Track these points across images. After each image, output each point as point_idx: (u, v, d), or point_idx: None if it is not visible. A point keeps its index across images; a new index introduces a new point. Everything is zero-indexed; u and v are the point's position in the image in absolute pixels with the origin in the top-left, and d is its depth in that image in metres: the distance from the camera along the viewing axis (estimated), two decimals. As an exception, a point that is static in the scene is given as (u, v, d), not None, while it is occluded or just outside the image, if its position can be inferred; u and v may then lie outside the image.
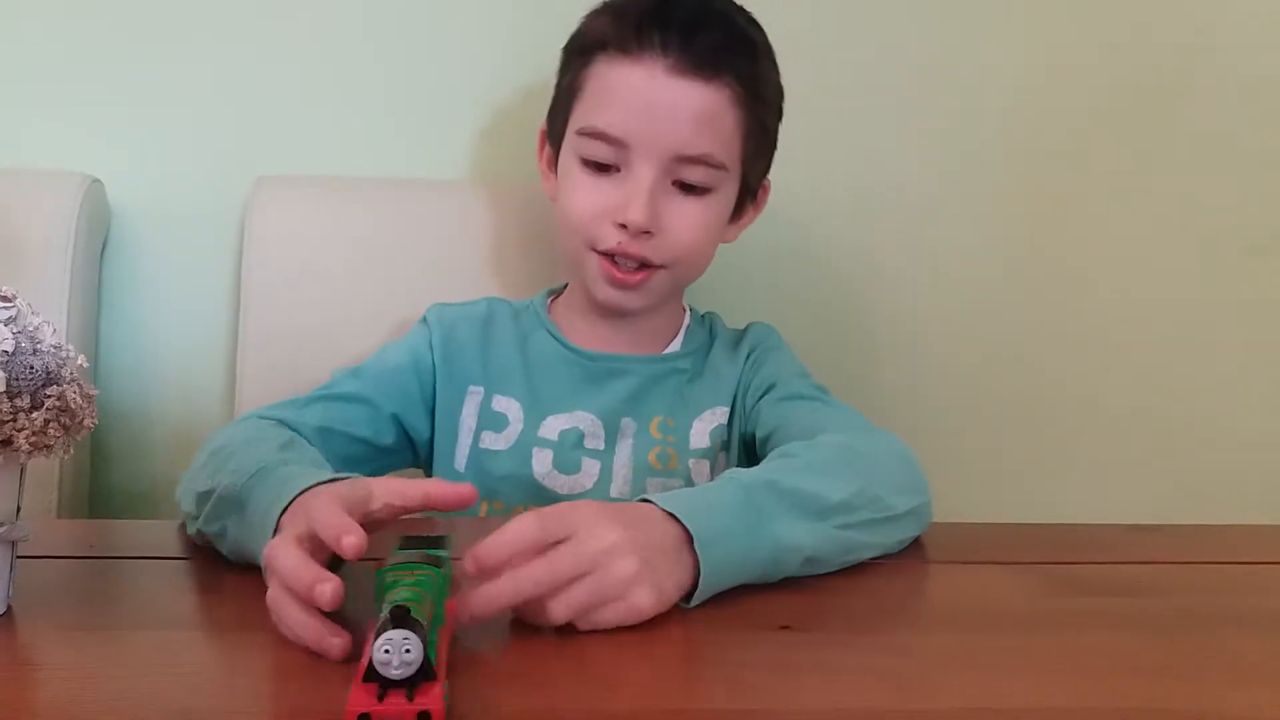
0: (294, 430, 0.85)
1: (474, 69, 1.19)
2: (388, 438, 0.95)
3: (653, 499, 0.65)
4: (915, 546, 0.81)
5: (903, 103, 1.25)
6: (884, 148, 1.25)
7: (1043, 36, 1.25)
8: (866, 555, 0.73)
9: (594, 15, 0.96)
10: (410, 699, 0.47)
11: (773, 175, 1.16)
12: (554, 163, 0.99)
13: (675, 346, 1.01)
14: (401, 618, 0.48)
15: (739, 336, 1.02)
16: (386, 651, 0.47)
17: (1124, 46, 1.25)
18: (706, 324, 1.04)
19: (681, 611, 0.65)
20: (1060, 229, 1.28)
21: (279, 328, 1.12)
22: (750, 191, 0.99)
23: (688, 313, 1.05)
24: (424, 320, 1.01)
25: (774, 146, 1.00)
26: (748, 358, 0.99)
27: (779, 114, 0.99)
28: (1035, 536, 0.85)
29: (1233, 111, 1.27)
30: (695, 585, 0.63)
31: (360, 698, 0.47)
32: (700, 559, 0.62)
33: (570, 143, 0.95)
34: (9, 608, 0.62)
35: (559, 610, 0.58)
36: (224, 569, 0.70)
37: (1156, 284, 1.28)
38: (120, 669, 0.55)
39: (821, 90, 1.23)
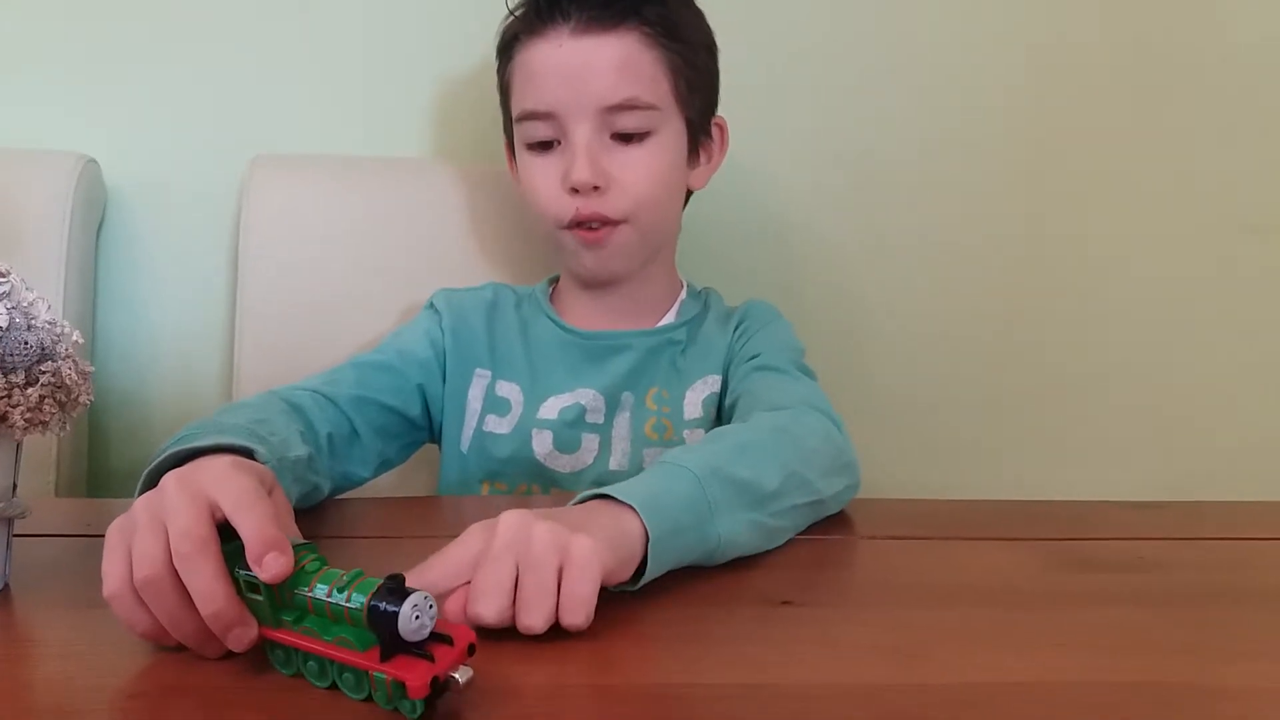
0: (330, 400, 0.86)
1: (475, 49, 1.18)
2: (414, 408, 0.96)
3: (610, 491, 0.63)
4: (917, 523, 0.81)
5: (900, 83, 1.24)
6: (882, 128, 1.24)
7: (1041, 16, 1.24)
8: (786, 538, 0.74)
9: (506, 18, 0.99)
10: (450, 643, 0.48)
11: (767, 157, 1.16)
12: None
13: (670, 319, 1.02)
14: (400, 585, 0.48)
15: (733, 310, 1.03)
16: (418, 618, 0.47)
17: (1122, 25, 1.25)
18: (702, 298, 1.05)
19: (683, 587, 0.65)
20: (1060, 209, 1.27)
21: (276, 306, 1.12)
22: (700, 131, 1.00)
23: (684, 287, 1.05)
24: (431, 306, 1.02)
25: (712, 83, 1.01)
26: (737, 328, 1.00)
27: (707, 51, 1.00)
28: (1036, 513, 0.85)
29: (1233, 90, 1.26)
30: (639, 568, 0.61)
31: (415, 671, 0.47)
32: (650, 559, 0.61)
33: (516, 134, 0.98)
34: (7, 584, 0.62)
35: (529, 620, 0.55)
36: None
37: (1155, 263, 1.28)
38: (116, 646, 0.55)
39: (819, 74, 1.23)
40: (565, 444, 0.96)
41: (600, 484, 0.66)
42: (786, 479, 0.72)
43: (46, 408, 0.59)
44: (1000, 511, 0.86)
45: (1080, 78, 1.25)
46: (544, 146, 0.95)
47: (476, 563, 0.56)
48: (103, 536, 0.75)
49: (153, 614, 0.53)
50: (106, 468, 1.21)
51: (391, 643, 0.47)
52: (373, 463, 0.90)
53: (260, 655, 0.53)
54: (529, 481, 0.96)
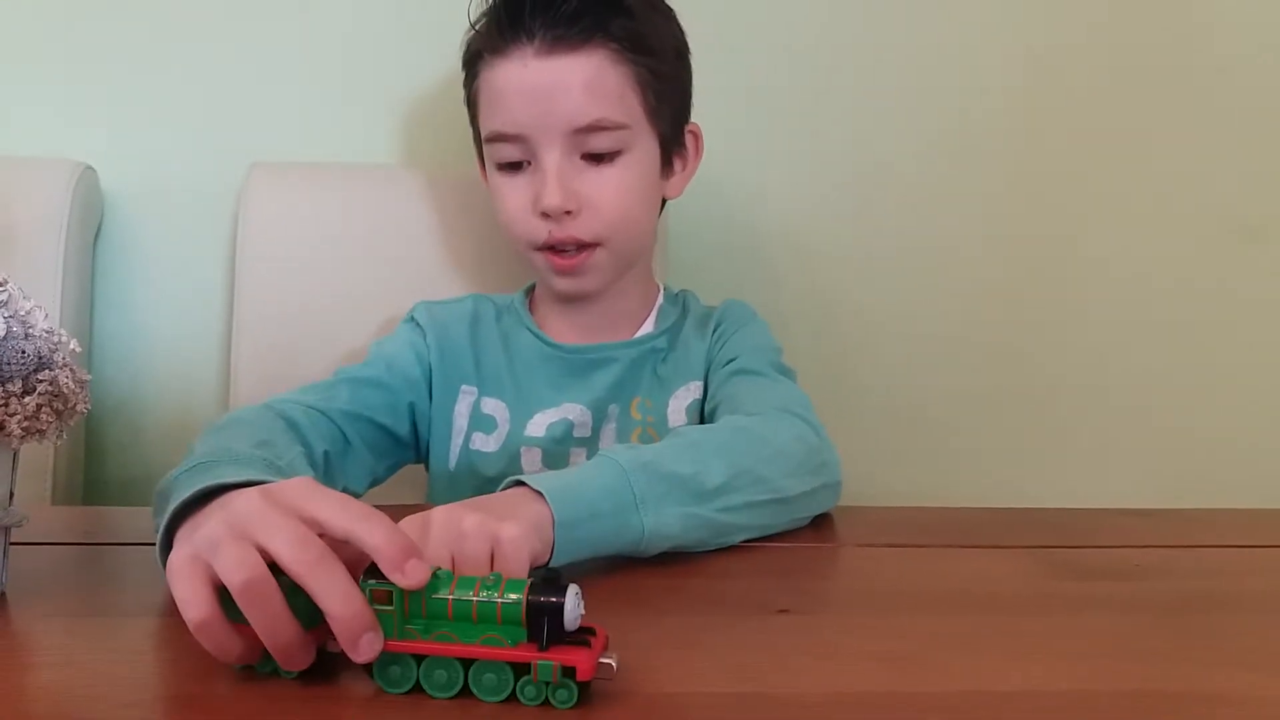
0: (324, 414, 0.85)
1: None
2: (403, 427, 0.95)
3: (525, 479, 0.66)
4: (913, 531, 0.81)
5: (896, 88, 1.24)
6: (877, 134, 1.25)
7: (1035, 19, 1.24)
8: (745, 536, 0.75)
9: (469, 30, 0.97)
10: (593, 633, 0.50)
11: (762, 162, 1.16)
12: None
13: (649, 327, 1.01)
14: (556, 578, 0.49)
15: (710, 312, 1.02)
16: (577, 606, 0.49)
17: (1119, 31, 1.25)
18: (679, 302, 1.04)
19: (678, 594, 0.66)
20: (1055, 215, 1.27)
21: (273, 314, 1.12)
22: (674, 142, 0.99)
23: (661, 292, 1.05)
24: (413, 320, 1.00)
25: (683, 92, 0.99)
26: (715, 331, 0.99)
27: (677, 56, 0.98)
28: (1032, 521, 0.86)
29: (1228, 95, 1.27)
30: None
31: (579, 655, 0.48)
32: (557, 539, 0.64)
33: (485, 154, 0.97)
34: (3, 593, 0.62)
35: None
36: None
37: (1151, 269, 1.28)
38: (113, 654, 0.55)
39: (814, 76, 1.23)
40: (554, 461, 0.95)
41: None
42: (736, 475, 0.73)
43: (44, 417, 0.58)
44: (996, 519, 0.86)
45: (1075, 82, 1.25)
46: (514, 167, 0.94)
47: None
48: (100, 545, 0.76)
49: (245, 638, 0.49)
50: (103, 475, 1.20)
51: (553, 633, 0.48)
52: (366, 478, 0.90)
53: (254, 665, 0.52)
54: None
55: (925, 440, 1.28)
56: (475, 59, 0.96)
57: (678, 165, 1.00)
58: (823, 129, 1.24)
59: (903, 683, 0.54)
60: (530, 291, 1.05)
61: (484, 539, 0.60)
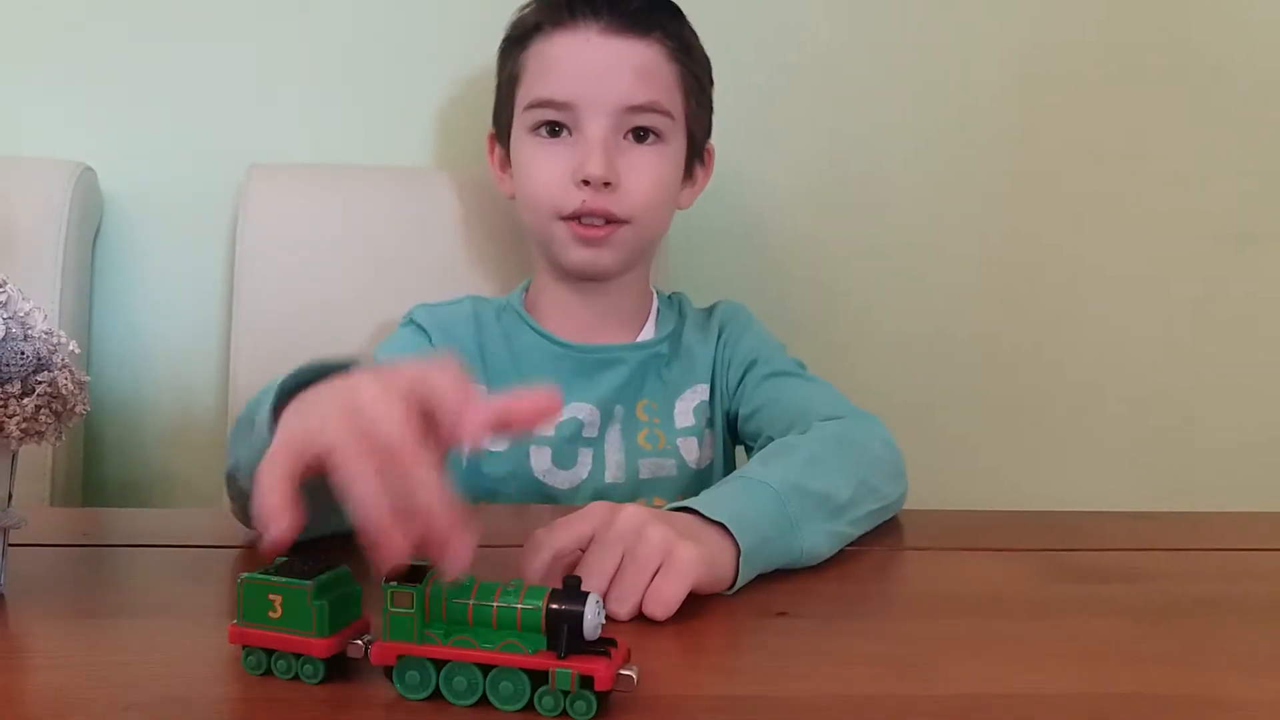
0: None
1: (474, 57, 1.18)
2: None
3: (694, 505, 0.66)
4: (912, 533, 0.81)
5: (895, 88, 1.24)
6: (876, 134, 1.25)
7: (1033, 19, 1.24)
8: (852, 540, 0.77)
9: (521, 9, 1.00)
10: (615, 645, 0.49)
11: (762, 162, 1.15)
12: (506, 163, 1.02)
13: (650, 330, 1.02)
14: (578, 586, 0.49)
15: (708, 315, 1.04)
16: (597, 615, 0.48)
17: (1116, 31, 1.25)
18: (675, 305, 1.06)
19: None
20: (1054, 215, 1.27)
21: (273, 315, 1.12)
22: (697, 151, 1.02)
23: (655, 296, 1.06)
24: (414, 323, 1.00)
25: (711, 108, 1.03)
26: (720, 335, 1.01)
27: (710, 77, 1.02)
28: (1032, 524, 0.86)
29: (1226, 99, 1.27)
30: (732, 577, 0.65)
31: (597, 664, 0.48)
32: (740, 571, 0.64)
33: (519, 122, 0.98)
34: (2, 594, 0.62)
35: (617, 606, 0.60)
36: (215, 557, 0.70)
37: (1150, 272, 1.28)
38: (113, 656, 0.55)
39: (812, 73, 1.23)
40: (564, 460, 0.95)
41: (599, 497, 0.68)
42: (858, 488, 0.76)
43: (42, 418, 0.58)
44: (995, 522, 0.86)
45: (1074, 82, 1.25)
46: (553, 134, 0.95)
47: (593, 536, 0.62)
48: (98, 546, 0.76)
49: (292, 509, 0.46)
50: (102, 475, 1.20)
51: (571, 642, 0.48)
52: None
53: (248, 667, 0.52)
54: (527, 499, 0.96)
55: (925, 440, 1.28)
56: (532, 30, 0.98)
57: (694, 177, 1.03)
58: (822, 128, 1.24)
59: (902, 686, 0.54)
60: (526, 290, 1.05)
61: (660, 551, 0.61)
